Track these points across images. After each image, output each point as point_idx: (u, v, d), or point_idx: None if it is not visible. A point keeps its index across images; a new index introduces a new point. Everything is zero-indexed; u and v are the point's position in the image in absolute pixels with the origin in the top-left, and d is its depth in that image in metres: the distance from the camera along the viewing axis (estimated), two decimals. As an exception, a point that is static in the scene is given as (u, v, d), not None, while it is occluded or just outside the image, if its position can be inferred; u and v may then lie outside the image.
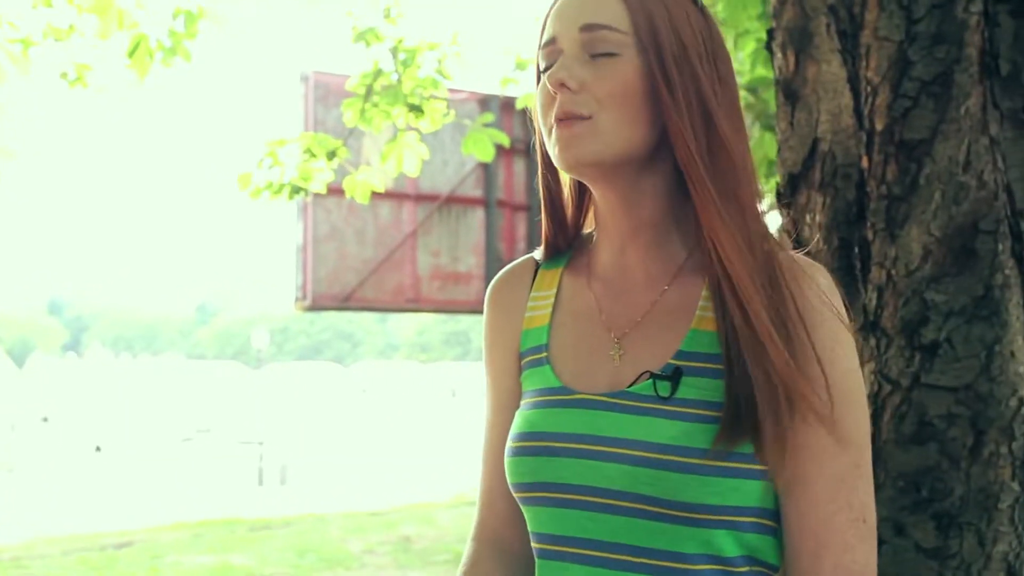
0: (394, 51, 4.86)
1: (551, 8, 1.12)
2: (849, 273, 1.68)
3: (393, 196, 12.99)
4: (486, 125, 5.03)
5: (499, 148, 11.90)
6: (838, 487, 1.03)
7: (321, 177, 4.78)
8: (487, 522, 1.24)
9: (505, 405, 1.21)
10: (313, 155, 4.70)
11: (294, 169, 4.80)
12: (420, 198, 13.28)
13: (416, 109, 4.72)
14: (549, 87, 1.07)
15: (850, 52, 1.65)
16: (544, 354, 1.15)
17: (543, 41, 1.11)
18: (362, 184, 4.77)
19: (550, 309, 1.18)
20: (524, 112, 7.07)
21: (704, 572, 1.02)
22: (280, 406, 33.09)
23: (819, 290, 1.06)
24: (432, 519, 10.57)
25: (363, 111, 4.75)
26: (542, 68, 1.10)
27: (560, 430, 1.08)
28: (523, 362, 1.19)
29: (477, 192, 13.37)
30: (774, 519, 1.06)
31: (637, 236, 1.12)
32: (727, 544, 1.03)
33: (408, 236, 13.30)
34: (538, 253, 1.24)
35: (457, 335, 67.77)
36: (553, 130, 1.07)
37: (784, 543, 1.06)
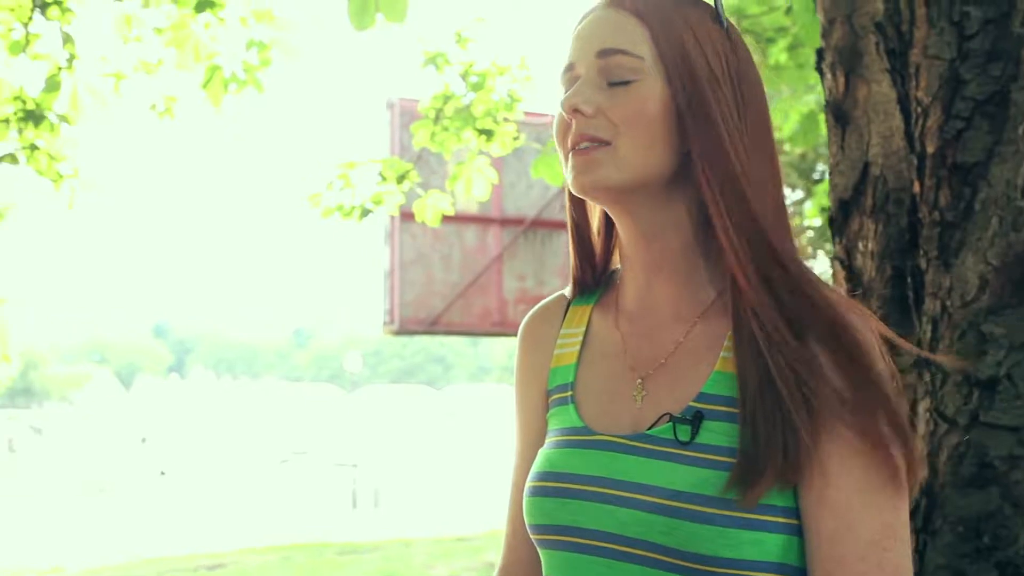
0: (464, 75, 4.88)
1: (573, 33, 1.08)
2: (903, 304, 1.58)
3: (478, 220, 13.08)
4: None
5: (583, 171, 11.60)
6: (869, 548, 0.95)
7: (392, 200, 4.83)
8: (510, 568, 1.20)
9: (532, 444, 1.17)
10: (384, 178, 4.75)
11: (367, 191, 4.88)
12: (505, 222, 13.32)
13: (486, 133, 4.73)
14: (564, 113, 1.03)
15: (899, 72, 1.57)
16: (569, 393, 1.12)
17: (563, 67, 1.07)
18: (432, 207, 4.79)
19: (578, 347, 1.14)
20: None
21: None
22: (374, 428, 33.51)
23: (857, 334, 0.98)
24: (517, 544, 10.49)
25: (433, 134, 4.79)
26: (562, 95, 1.07)
27: (578, 472, 1.04)
28: (550, 400, 1.15)
29: (562, 215, 13.32)
30: None
31: (661, 270, 1.07)
32: None
33: (494, 260, 13.34)
34: (568, 290, 1.20)
35: (548, 358, 67.64)
36: (569, 157, 1.03)
37: None
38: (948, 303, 1.50)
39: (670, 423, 1.01)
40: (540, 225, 13.26)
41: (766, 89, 1.12)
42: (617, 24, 1.03)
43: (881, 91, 1.62)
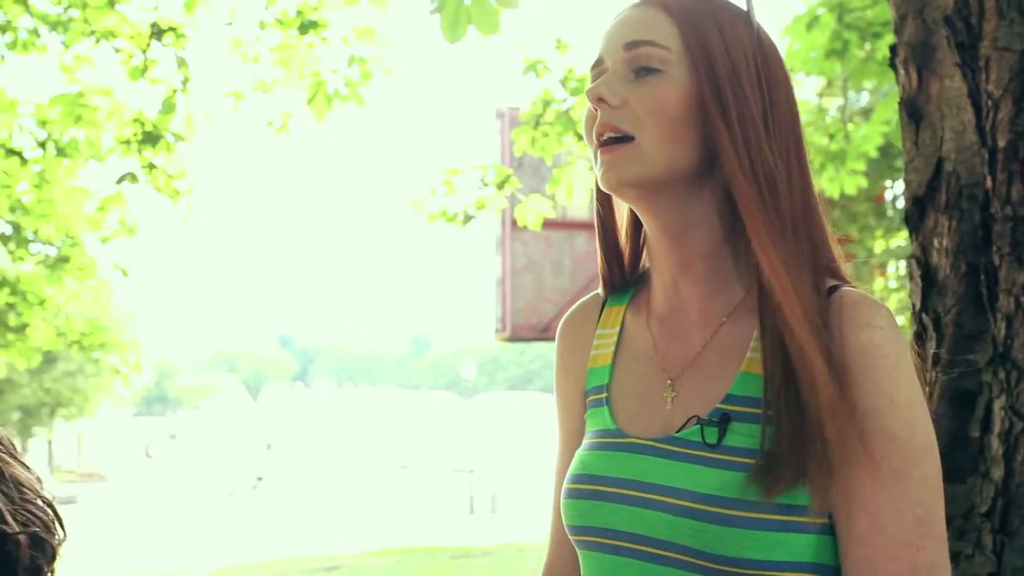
0: (564, 80, 4.94)
1: (604, 32, 1.09)
2: (977, 301, 1.56)
3: (589, 227, 13.07)
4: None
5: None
6: (901, 547, 0.94)
7: (495, 205, 4.92)
8: (555, 566, 1.22)
9: (573, 444, 1.18)
10: (485, 184, 4.86)
11: (470, 197, 4.99)
12: (616, 228, 13.32)
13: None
14: (590, 103, 1.04)
15: (970, 65, 1.54)
16: (604, 395, 1.12)
17: (592, 62, 1.08)
18: (534, 212, 4.86)
19: (613, 348, 1.15)
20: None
21: None
22: (491, 435, 33.78)
23: (876, 332, 0.97)
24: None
25: (533, 139, 4.85)
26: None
27: (610, 474, 1.05)
28: (587, 400, 1.16)
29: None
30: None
31: (688, 269, 1.07)
32: None
33: (604, 266, 13.35)
34: (603, 289, 1.20)
35: (666, 364, 66.79)
36: (597, 152, 1.04)
37: None
38: (1022, 299, 1.47)
39: (698, 425, 1.01)
40: (650, 230, 13.22)
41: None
42: (645, 18, 1.04)
43: (953, 85, 1.60)
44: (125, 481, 30.46)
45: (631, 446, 1.06)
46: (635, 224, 1.16)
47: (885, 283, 9.20)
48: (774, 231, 0.99)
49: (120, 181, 4.33)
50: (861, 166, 5.36)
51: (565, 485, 1.10)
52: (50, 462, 31.44)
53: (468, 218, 5.00)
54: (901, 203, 10.74)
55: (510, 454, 29.22)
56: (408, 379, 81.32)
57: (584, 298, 1.23)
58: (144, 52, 4.14)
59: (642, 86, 1.02)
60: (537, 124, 4.99)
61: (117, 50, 4.27)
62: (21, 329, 7.21)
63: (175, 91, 4.11)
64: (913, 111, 1.68)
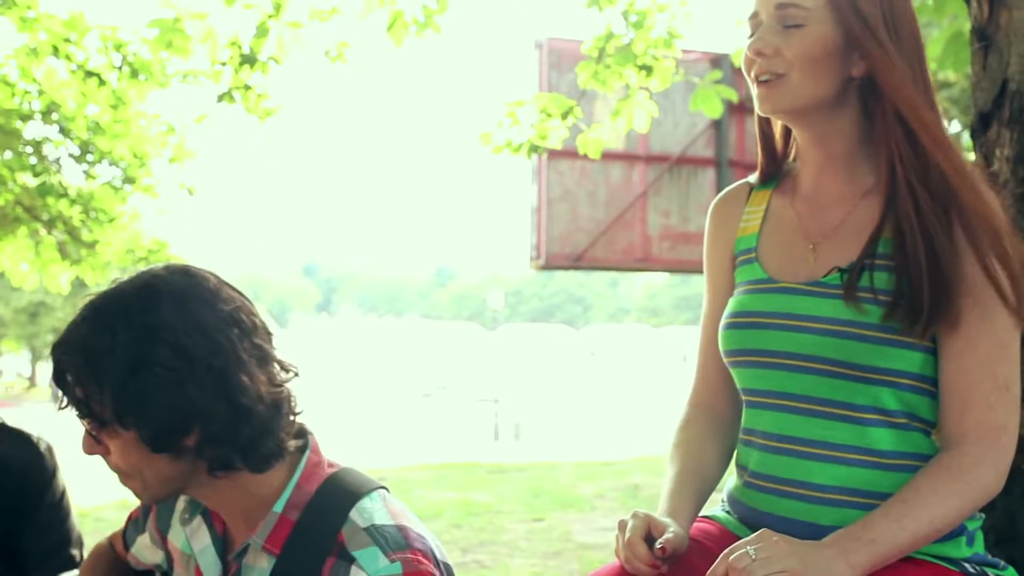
0: (625, 14, 5.15)
1: None
2: (1034, 201, 1.85)
3: (624, 157, 13.27)
4: (716, 83, 5.23)
5: (731, 107, 11.80)
6: (985, 361, 1.30)
7: (556, 135, 5.17)
8: (700, 390, 1.58)
9: (720, 296, 1.54)
10: (549, 115, 5.10)
11: (531, 128, 5.23)
12: (651, 159, 13.47)
13: (646, 69, 5.00)
14: (749, 53, 1.39)
15: (1036, -1, 1.82)
16: (753, 254, 1.49)
17: (750, 14, 1.43)
18: (594, 141, 5.12)
19: (760, 221, 1.51)
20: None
21: (870, 420, 1.34)
22: (514, 366, 34.20)
23: (986, 206, 1.32)
24: (661, 469, 10.81)
25: (595, 72, 5.08)
26: (748, 35, 1.42)
27: (765, 309, 1.41)
28: (737, 260, 1.52)
29: (708, 152, 13.42)
30: (933, 385, 1.35)
31: (830, 165, 1.43)
32: (889, 399, 1.33)
33: (639, 197, 13.53)
34: (753, 178, 1.57)
35: (688, 299, 67.21)
36: (755, 86, 1.40)
37: (939, 404, 1.34)
38: (1073, 197, 1.76)
39: (838, 273, 1.36)
40: (685, 162, 13.36)
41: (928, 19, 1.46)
42: None
43: (1021, 16, 1.87)
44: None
45: (782, 289, 1.42)
46: (787, 130, 1.52)
47: None
48: (904, 134, 1.35)
49: (220, 100, 4.63)
50: None
51: (725, 321, 1.46)
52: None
53: (534, 148, 5.26)
54: None
55: (534, 385, 29.68)
56: (432, 310, 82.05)
57: (731, 186, 1.60)
58: (237, -22, 4.38)
59: (790, 36, 1.37)
60: (600, 58, 5.20)
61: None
62: (92, 245, 7.54)
63: (268, 16, 4.39)
64: (982, 37, 1.96)
